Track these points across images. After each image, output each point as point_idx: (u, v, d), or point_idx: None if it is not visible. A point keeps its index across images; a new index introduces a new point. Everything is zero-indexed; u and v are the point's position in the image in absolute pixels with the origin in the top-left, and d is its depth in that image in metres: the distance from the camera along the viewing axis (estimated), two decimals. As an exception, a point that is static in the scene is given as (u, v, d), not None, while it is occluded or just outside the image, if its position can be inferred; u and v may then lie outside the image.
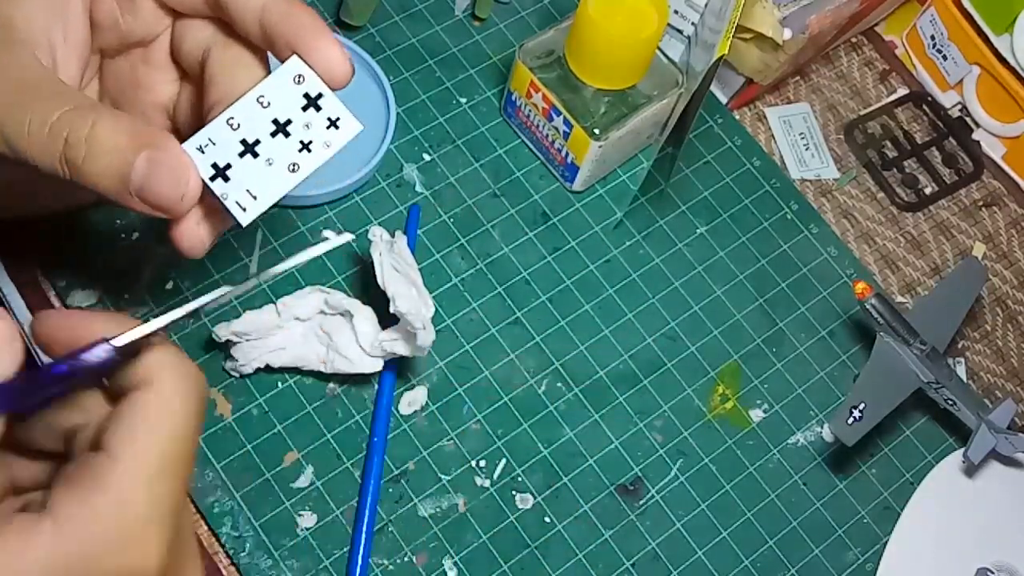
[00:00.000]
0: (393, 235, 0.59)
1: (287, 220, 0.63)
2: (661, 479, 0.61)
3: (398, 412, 0.60)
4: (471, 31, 0.71)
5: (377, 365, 0.58)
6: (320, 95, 0.41)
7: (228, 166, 0.40)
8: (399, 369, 0.60)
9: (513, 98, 0.67)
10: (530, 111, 0.66)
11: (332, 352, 0.57)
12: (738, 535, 0.61)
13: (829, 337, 0.67)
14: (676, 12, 0.68)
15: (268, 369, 0.58)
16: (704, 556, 0.60)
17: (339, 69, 0.41)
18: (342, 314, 0.58)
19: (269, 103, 0.40)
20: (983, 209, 0.75)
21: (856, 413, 0.60)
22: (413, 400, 0.60)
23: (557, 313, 0.64)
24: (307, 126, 0.40)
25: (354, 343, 0.57)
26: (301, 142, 0.40)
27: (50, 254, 0.59)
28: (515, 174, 0.68)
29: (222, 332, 0.56)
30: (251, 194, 0.40)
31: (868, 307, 0.63)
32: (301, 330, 0.58)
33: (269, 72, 0.42)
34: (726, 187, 0.70)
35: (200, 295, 0.39)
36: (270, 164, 0.40)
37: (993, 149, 0.76)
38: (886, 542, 0.62)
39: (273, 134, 0.40)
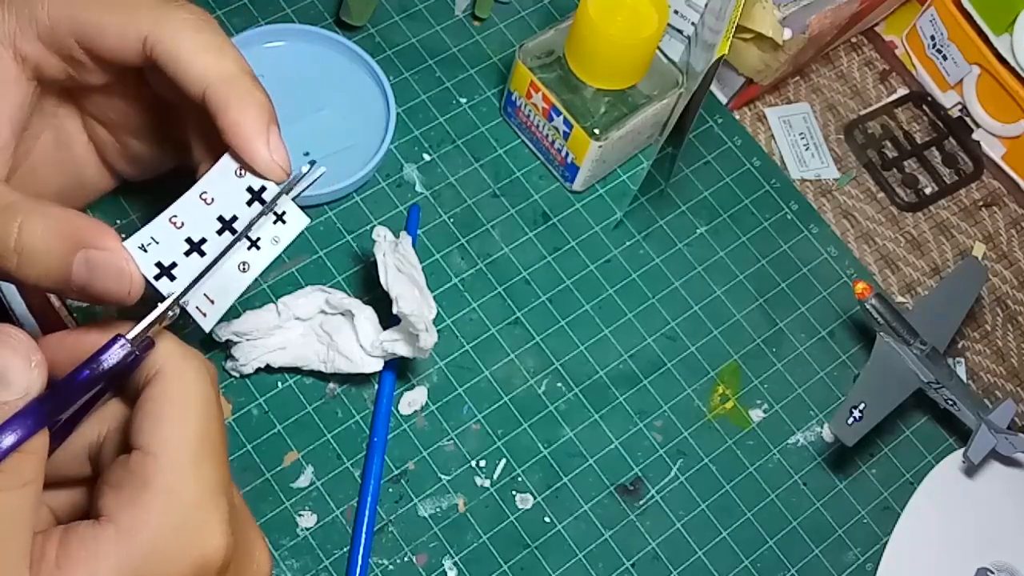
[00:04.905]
0: (397, 236, 0.59)
1: (287, 220, 0.63)
2: (661, 479, 0.61)
3: (398, 412, 0.60)
4: (471, 31, 0.71)
5: (377, 365, 0.58)
6: (263, 188, 0.39)
7: (173, 265, 0.38)
8: (399, 369, 0.60)
9: (513, 98, 0.67)
10: (530, 111, 0.66)
11: (332, 352, 0.57)
12: (738, 535, 0.61)
13: (829, 337, 0.67)
14: (676, 12, 0.68)
15: (268, 369, 0.58)
16: (704, 556, 0.60)
17: (271, 172, 0.39)
18: (343, 314, 0.58)
19: (213, 199, 0.38)
20: (983, 209, 0.75)
21: (856, 413, 0.60)
22: (413, 400, 0.60)
23: (557, 313, 0.64)
24: (251, 224, 0.39)
25: (355, 343, 0.57)
26: (249, 239, 0.39)
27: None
28: (515, 174, 0.68)
29: (222, 332, 0.56)
30: (208, 297, 0.38)
31: (868, 307, 0.63)
32: (301, 330, 0.58)
33: None
34: (726, 187, 0.70)
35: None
36: (214, 264, 0.38)
37: (993, 149, 0.76)
38: (886, 542, 0.62)
39: (219, 232, 0.38)
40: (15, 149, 0.41)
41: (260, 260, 0.39)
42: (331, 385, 0.60)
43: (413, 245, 0.60)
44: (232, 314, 0.58)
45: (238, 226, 0.38)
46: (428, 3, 0.71)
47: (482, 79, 0.70)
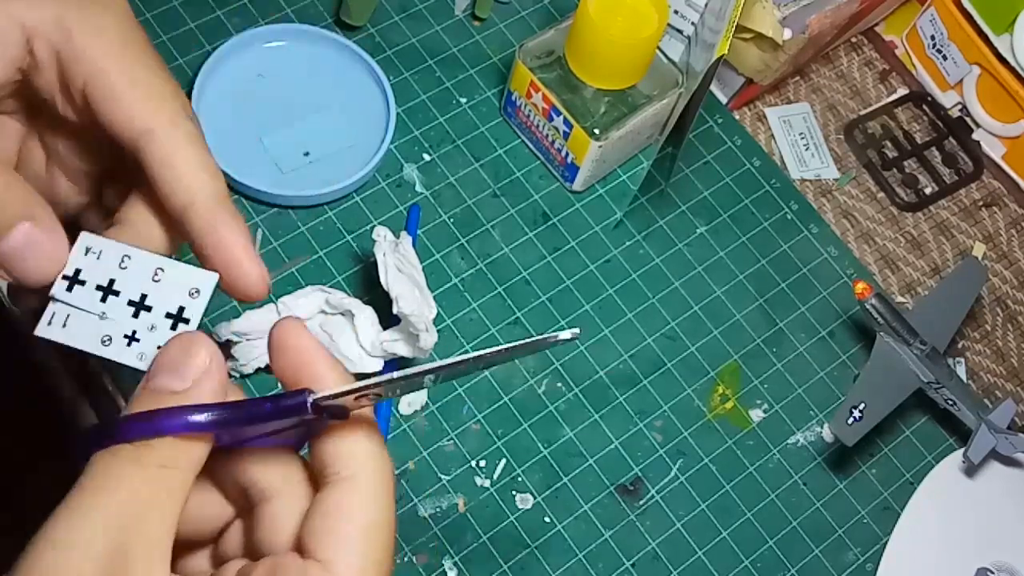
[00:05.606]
0: (397, 236, 0.59)
1: (287, 220, 0.63)
2: (661, 479, 0.61)
3: (398, 412, 0.60)
4: (471, 31, 0.71)
5: (377, 365, 0.58)
6: (187, 320, 0.38)
7: (83, 283, 0.37)
8: (399, 369, 0.60)
9: (513, 98, 0.67)
10: (530, 111, 0.66)
11: (333, 352, 0.57)
12: (738, 535, 0.61)
13: (829, 337, 0.67)
14: (676, 12, 0.68)
15: (268, 369, 0.58)
16: (704, 556, 0.60)
17: (254, 290, 0.38)
18: (343, 314, 0.58)
19: (159, 279, 0.38)
20: (983, 209, 0.75)
21: (856, 413, 0.60)
22: (413, 400, 0.60)
23: (557, 313, 0.64)
24: (151, 328, 0.37)
25: (355, 343, 0.57)
26: (132, 332, 0.37)
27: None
28: (515, 174, 0.68)
29: (222, 332, 0.56)
30: (64, 323, 0.37)
31: (868, 307, 0.63)
32: (301, 330, 0.58)
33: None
34: (726, 187, 0.70)
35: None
36: (102, 318, 0.37)
37: (993, 149, 0.76)
38: (886, 542, 0.62)
39: (131, 303, 0.37)
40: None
41: (116, 352, 0.37)
42: (331, 385, 0.60)
43: (413, 245, 0.60)
44: (232, 314, 0.58)
45: (142, 316, 0.37)
46: (428, 3, 0.71)
47: (482, 79, 0.70)
